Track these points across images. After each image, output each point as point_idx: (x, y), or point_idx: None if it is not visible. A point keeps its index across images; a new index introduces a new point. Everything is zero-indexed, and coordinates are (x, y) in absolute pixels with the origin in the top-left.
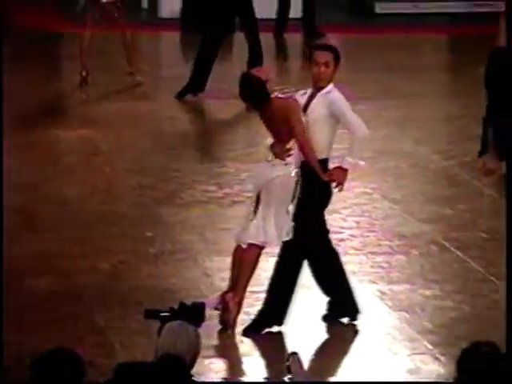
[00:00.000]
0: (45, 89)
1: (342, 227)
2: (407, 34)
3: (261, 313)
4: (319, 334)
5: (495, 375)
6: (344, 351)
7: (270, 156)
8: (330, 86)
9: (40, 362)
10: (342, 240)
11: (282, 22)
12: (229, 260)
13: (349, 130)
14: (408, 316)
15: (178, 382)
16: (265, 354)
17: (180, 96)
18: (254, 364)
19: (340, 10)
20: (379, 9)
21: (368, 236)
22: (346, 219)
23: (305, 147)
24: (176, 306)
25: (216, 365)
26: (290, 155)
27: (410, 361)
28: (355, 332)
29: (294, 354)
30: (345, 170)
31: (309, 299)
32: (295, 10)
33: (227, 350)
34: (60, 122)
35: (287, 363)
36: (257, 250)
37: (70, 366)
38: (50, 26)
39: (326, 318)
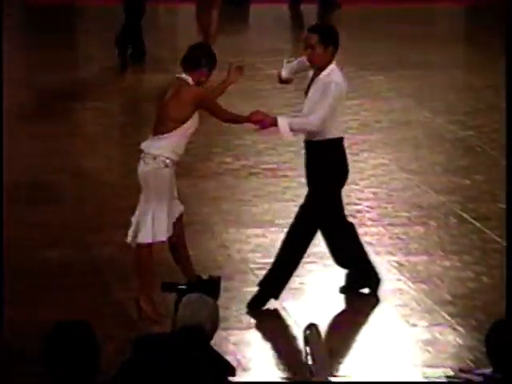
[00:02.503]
0: (61, 61)
1: (359, 198)
2: (424, 4)
3: (262, 285)
4: (337, 305)
5: None
6: (362, 322)
7: (142, 147)
8: (329, 69)
9: (53, 335)
10: (359, 211)
11: None
12: (246, 231)
13: (308, 111)
14: (426, 287)
15: (198, 354)
16: (282, 326)
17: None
18: (271, 336)
19: None
20: None
21: (385, 207)
22: (363, 190)
23: (226, 115)
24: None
25: (234, 336)
26: (172, 130)
27: (428, 332)
28: (373, 303)
29: (313, 325)
30: (273, 121)
31: (326, 270)
32: None
33: (244, 322)
34: (77, 93)
35: (305, 334)
36: (146, 248)
37: (84, 340)
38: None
39: (343, 290)
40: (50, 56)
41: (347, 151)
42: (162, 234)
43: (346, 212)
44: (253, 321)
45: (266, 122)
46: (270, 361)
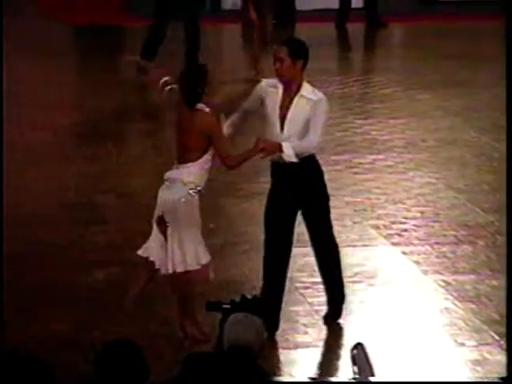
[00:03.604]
0: (108, 82)
1: (405, 217)
2: (470, 22)
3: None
4: (384, 324)
5: None
6: (409, 342)
7: (167, 177)
8: (308, 86)
9: (103, 356)
10: (405, 230)
11: (344, 12)
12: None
13: (308, 132)
14: (474, 306)
15: (246, 373)
16: (329, 345)
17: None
18: (318, 356)
19: None
20: None
21: (432, 226)
22: (409, 209)
23: (232, 162)
24: (237, 299)
25: (281, 356)
26: (199, 158)
27: (476, 351)
28: (420, 322)
29: (359, 344)
30: (277, 147)
31: (372, 289)
32: (357, 0)
33: (291, 342)
34: (124, 114)
35: (352, 353)
36: (184, 275)
37: (133, 361)
38: (111, 20)
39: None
40: (98, 77)
41: (394, 170)
42: (195, 263)
43: (393, 231)
44: (299, 340)
45: (272, 148)
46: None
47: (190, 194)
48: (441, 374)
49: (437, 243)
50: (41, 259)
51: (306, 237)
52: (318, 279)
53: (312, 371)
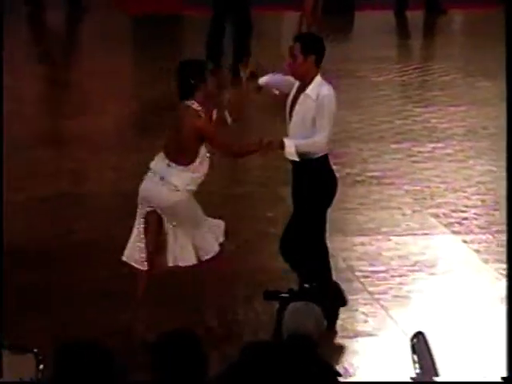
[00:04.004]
0: (167, 71)
1: (466, 205)
2: None
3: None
4: (444, 313)
5: None
6: (469, 330)
7: (156, 169)
8: (315, 83)
9: (160, 345)
10: (466, 219)
11: (403, 0)
12: (351, 240)
13: (314, 132)
14: None
15: (307, 362)
16: (389, 334)
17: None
18: (378, 345)
19: None
20: None
21: (493, 214)
22: (470, 198)
23: (235, 148)
24: (295, 287)
25: (340, 345)
26: (192, 162)
27: None
28: (481, 311)
29: (420, 333)
30: (279, 143)
31: (432, 278)
32: None
33: (350, 331)
34: None
35: (412, 343)
36: (212, 262)
37: (190, 350)
38: (169, 9)
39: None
40: (156, 67)
41: (453, 158)
42: (210, 252)
43: (453, 219)
44: (359, 329)
45: (273, 145)
46: (376, 369)
47: (187, 198)
48: (501, 366)
49: (498, 231)
50: (102, 249)
51: (368, 225)
52: (378, 268)
53: (371, 360)
